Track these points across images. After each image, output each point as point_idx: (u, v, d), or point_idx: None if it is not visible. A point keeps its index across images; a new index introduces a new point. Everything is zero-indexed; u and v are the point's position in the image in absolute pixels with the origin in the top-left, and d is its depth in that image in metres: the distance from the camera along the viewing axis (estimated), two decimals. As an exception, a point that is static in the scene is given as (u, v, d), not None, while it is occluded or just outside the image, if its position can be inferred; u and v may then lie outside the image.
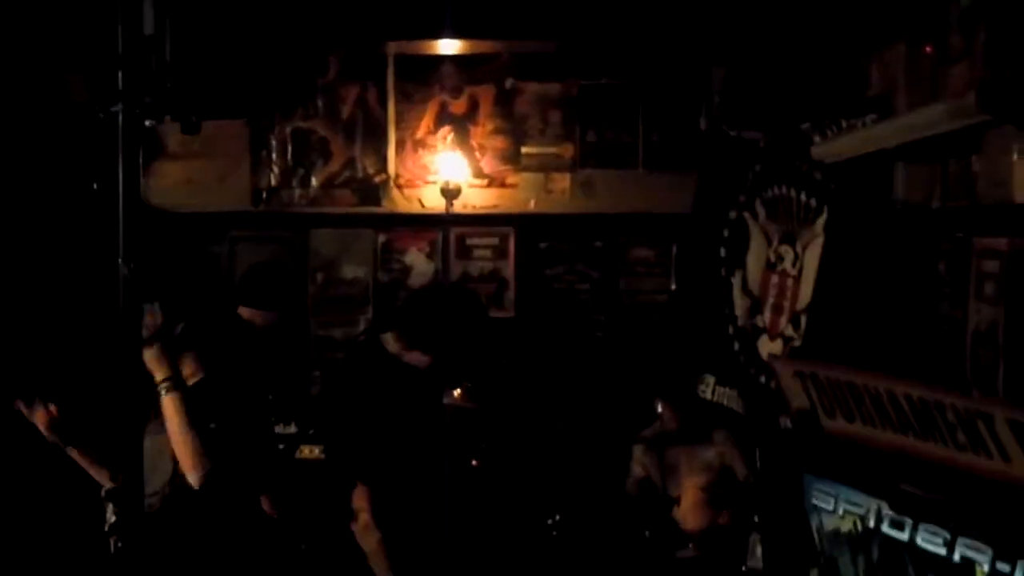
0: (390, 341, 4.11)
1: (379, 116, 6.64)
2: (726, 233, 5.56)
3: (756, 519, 4.10)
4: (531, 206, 6.57)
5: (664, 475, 4.91)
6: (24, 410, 3.72)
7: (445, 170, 6.22)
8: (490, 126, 6.61)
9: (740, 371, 5.28)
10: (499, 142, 6.61)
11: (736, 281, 5.43)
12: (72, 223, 5.82)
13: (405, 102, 6.62)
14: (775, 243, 5.06)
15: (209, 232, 6.61)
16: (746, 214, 5.36)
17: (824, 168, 4.62)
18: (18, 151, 5.81)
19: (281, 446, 5.59)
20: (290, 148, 6.64)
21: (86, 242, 5.68)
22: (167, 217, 6.17)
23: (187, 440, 3.44)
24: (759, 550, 4.01)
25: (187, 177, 6.54)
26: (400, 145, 6.64)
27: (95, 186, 5.98)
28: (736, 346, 5.39)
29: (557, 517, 4.66)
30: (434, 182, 6.41)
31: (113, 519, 3.72)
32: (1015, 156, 3.34)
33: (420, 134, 6.64)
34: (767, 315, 5.11)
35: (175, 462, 3.52)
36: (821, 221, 4.64)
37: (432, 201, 6.44)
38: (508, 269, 6.62)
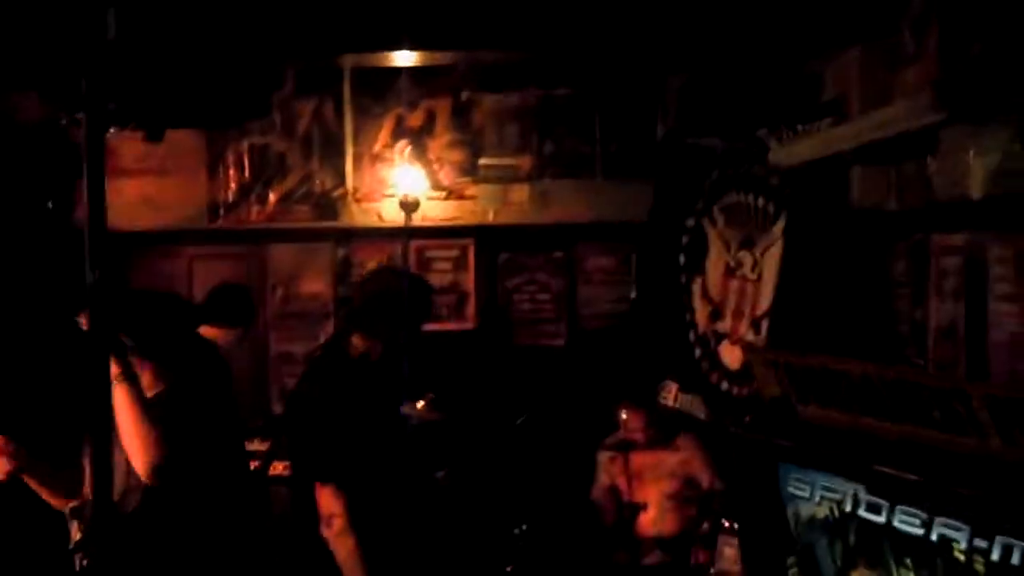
0: (355, 343, 4.10)
1: (336, 130, 6.62)
2: (685, 240, 5.60)
3: (724, 522, 4.11)
4: (490, 217, 6.57)
5: (629, 482, 4.93)
6: None
7: (403, 183, 6.20)
8: (447, 138, 6.61)
9: (702, 377, 5.32)
10: (457, 154, 6.61)
11: (696, 288, 5.47)
12: (27, 243, 5.76)
13: (362, 116, 6.60)
14: (734, 249, 5.10)
15: (165, 250, 6.55)
16: (704, 221, 5.40)
17: (781, 173, 4.67)
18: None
19: (254, 464, 5.56)
20: (247, 163, 6.60)
21: (41, 262, 5.63)
22: (122, 237, 6.09)
23: (139, 430, 3.38)
24: (726, 551, 4.02)
25: (142, 195, 6.48)
26: (357, 159, 6.62)
27: (49, 205, 5.93)
28: (697, 352, 5.42)
29: (524, 527, 4.64)
30: (392, 195, 6.38)
31: (78, 536, 3.67)
32: (971, 153, 3.38)
33: (377, 148, 6.62)
34: (728, 320, 5.15)
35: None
36: (779, 226, 4.69)
37: (391, 214, 6.42)
38: (468, 281, 6.61)
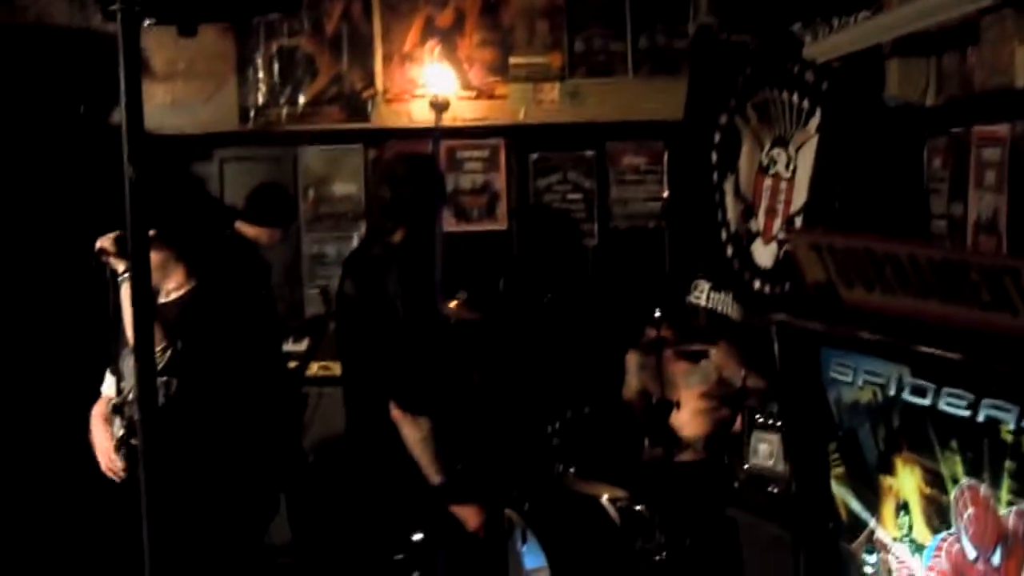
0: (395, 238, 4.13)
1: (365, 31, 6.56)
2: (717, 138, 5.55)
3: (759, 418, 4.14)
4: (521, 117, 6.53)
5: (661, 384, 4.95)
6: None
7: (433, 83, 6.15)
8: (477, 38, 6.54)
9: (734, 276, 5.30)
10: (487, 54, 6.54)
11: (728, 186, 5.43)
12: (63, 148, 5.78)
13: (391, 15, 6.54)
14: (767, 147, 5.05)
15: (196, 152, 6.56)
16: (737, 118, 5.34)
17: (816, 69, 4.59)
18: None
19: (292, 364, 5.64)
20: (276, 66, 6.56)
21: (77, 166, 5.65)
22: (152, 139, 6.09)
23: None
24: (761, 448, 4.05)
25: (172, 98, 6.48)
26: (387, 59, 6.57)
27: (81, 109, 5.93)
28: (730, 251, 5.40)
29: (558, 425, 4.69)
30: (422, 96, 6.34)
31: (121, 432, 3.74)
32: (1017, 42, 3.31)
33: (407, 47, 6.56)
34: (761, 219, 5.12)
35: None
36: (814, 122, 4.63)
37: (421, 115, 6.38)
38: (499, 181, 6.59)
